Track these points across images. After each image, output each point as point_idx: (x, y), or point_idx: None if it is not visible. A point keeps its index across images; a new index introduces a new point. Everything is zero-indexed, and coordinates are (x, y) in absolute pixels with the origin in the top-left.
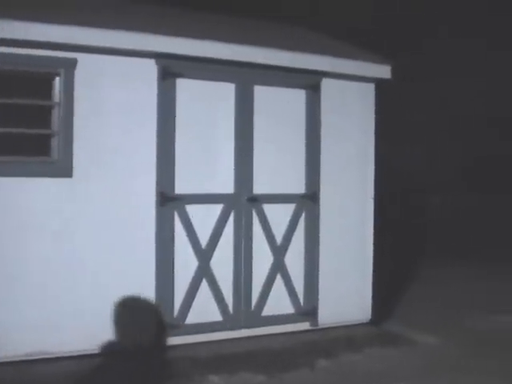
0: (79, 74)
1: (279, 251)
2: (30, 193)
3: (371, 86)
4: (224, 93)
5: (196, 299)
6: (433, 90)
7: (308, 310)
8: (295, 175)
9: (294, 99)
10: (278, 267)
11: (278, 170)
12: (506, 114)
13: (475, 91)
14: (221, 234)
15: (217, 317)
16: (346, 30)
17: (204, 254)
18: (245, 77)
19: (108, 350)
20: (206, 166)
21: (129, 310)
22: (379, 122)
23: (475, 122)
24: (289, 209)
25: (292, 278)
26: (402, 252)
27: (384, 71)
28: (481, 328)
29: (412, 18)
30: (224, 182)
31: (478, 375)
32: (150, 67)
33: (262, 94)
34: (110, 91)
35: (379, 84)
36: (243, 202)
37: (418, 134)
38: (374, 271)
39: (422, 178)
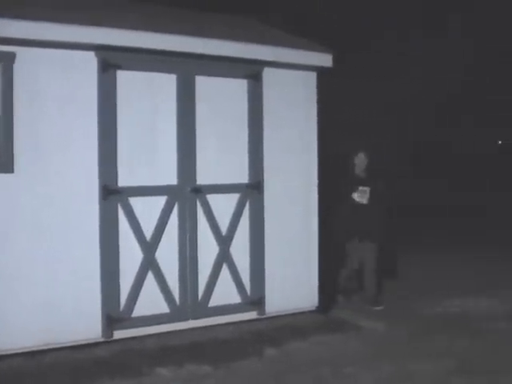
0: (18, 68)
1: (224, 241)
2: None
3: (313, 75)
4: (165, 84)
5: (142, 292)
6: (373, 85)
7: (255, 300)
8: (239, 165)
9: (236, 89)
10: (224, 257)
11: (221, 160)
12: (441, 100)
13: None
14: (165, 226)
15: (164, 309)
16: (283, 19)
17: (149, 247)
18: (186, 67)
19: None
20: (149, 158)
21: None
22: (324, 112)
23: (413, 109)
24: (233, 199)
25: (238, 268)
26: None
27: (325, 59)
28: (429, 313)
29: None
30: (167, 174)
31: (422, 360)
32: (90, 59)
33: (204, 85)
34: (50, 84)
35: (321, 73)
36: (187, 193)
37: (361, 124)
38: (320, 258)
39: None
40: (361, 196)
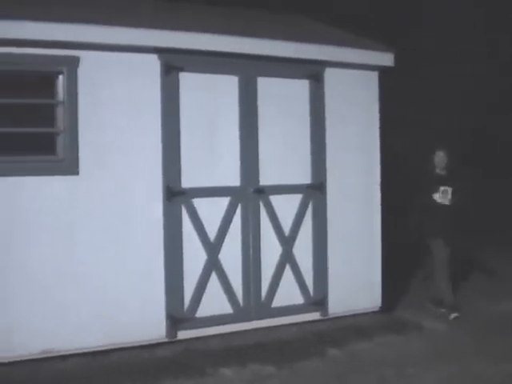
0: (82, 71)
1: (287, 242)
2: (37, 191)
3: (375, 74)
4: (227, 85)
5: (206, 292)
6: (433, 76)
7: (318, 300)
8: (301, 165)
9: (298, 89)
10: (287, 258)
11: (283, 160)
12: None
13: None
14: (228, 227)
15: (227, 309)
16: (341, 18)
17: (212, 247)
18: (248, 69)
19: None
20: (212, 159)
21: None
22: (385, 110)
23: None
24: (296, 199)
25: (301, 269)
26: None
27: (387, 59)
28: (492, 313)
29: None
30: (230, 175)
31: (485, 361)
32: (153, 62)
33: (266, 86)
34: (114, 88)
35: (383, 72)
36: (250, 194)
37: (423, 121)
38: (383, 258)
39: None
40: (443, 197)
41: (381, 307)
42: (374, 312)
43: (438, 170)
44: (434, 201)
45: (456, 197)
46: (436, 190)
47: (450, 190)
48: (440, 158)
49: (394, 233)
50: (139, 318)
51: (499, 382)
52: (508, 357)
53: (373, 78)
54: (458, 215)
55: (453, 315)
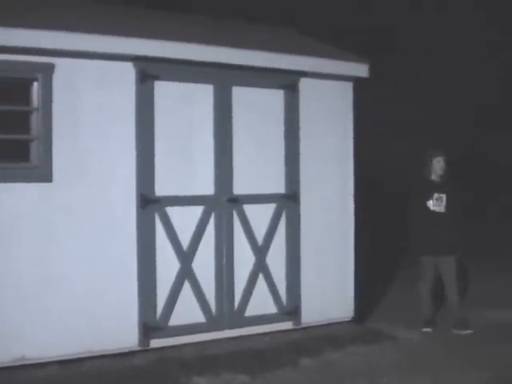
0: (57, 78)
1: (261, 251)
2: (11, 198)
3: (349, 85)
4: (202, 94)
5: (179, 301)
6: (409, 86)
7: (291, 310)
8: (275, 175)
9: (273, 99)
10: (260, 267)
11: (257, 170)
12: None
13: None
14: (202, 236)
15: (200, 318)
16: (322, 30)
17: (186, 256)
18: (223, 78)
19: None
20: (186, 168)
21: None
22: (359, 120)
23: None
24: (269, 209)
25: (274, 278)
26: (383, 249)
27: (362, 70)
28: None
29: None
30: (204, 184)
31: (458, 371)
32: (128, 70)
33: (241, 95)
34: (89, 95)
35: (357, 82)
36: (224, 203)
37: (398, 131)
38: (356, 269)
39: (403, 174)
40: (437, 204)
41: (354, 317)
42: (346, 322)
43: (433, 177)
44: (428, 208)
45: (452, 204)
46: (430, 197)
47: (444, 197)
48: (439, 164)
49: (368, 243)
50: (112, 327)
51: None
52: (481, 366)
53: (347, 88)
54: (453, 224)
55: (466, 332)
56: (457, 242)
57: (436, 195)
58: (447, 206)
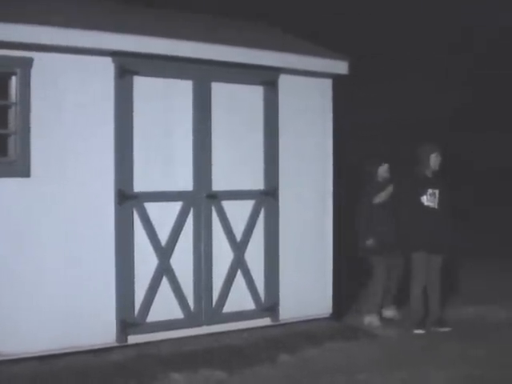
0: (36, 73)
1: (239, 248)
2: None
3: (329, 82)
4: (182, 90)
5: (157, 297)
6: (390, 87)
7: (269, 306)
8: (254, 171)
9: (252, 95)
10: (239, 264)
11: (236, 166)
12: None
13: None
14: (180, 232)
15: (178, 314)
16: (305, 28)
17: (164, 252)
18: (202, 74)
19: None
20: (165, 164)
21: None
22: (341, 119)
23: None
24: (248, 205)
25: (252, 275)
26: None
27: (341, 67)
28: (446, 320)
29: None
30: (183, 180)
31: (435, 367)
32: (107, 65)
33: (220, 91)
34: (67, 90)
35: (337, 80)
36: (202, 199)
37: (379, 131)
38: (335, 265)
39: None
40: (431, 200)
41: (332, 314)
42: (325, 318)
43: (427, 172)
44: (422, 204)
45: (443, 201)
46: (424, 193)
47: (437, 192)
48: (437, 159)
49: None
50: (89, 323)
51: None
52: (458, 362)
53: (327, 85)
54: (446, 220)
55: (445, 329)
56: (448, 240)
57: (430, 191)
58: (440, 203)
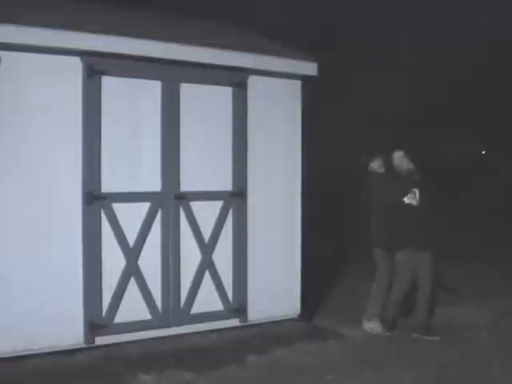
0: (2, 71)
1: (207, 249)
2: None
3: (298, 83)
4: (150, 90)
5: (124, 298)
6: (356, 86)
7: (237, 307)
8: (223, 172)
9: (221, 96)
10: (207, 265)
11: (205, 167)
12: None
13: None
14: (148, 232)
15: (146, 315)
16: (269, 27)
17: (132, 253)
18: (171, 74)
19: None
20: (133, 164)
21: None
22: (308, 119)
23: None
24: (217, 206)
25: (221, 276)
26: (331, 246)
27: (310, 68)
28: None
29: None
30: (151, 180)
31: (402, 368)
32: (75, 65)
33: (189, 92)
34: (35, 89)
35: (306, 81)
36: (170, 200)
37: (347, 130)
38: (304, 266)
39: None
40: (411, 197)
41: (300, 315)
42: (293, 319)
43: (404, 173)
44: (402, 203)
45: (424, 199)
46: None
47: (417, 191)
48: (402, 159)
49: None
50: (56, 324)
51: None
52: (424, 364)
53: (296, 87)
54: (427, 218)
55: (431, 338)
56: (432, 236)
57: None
58: (420, 201)
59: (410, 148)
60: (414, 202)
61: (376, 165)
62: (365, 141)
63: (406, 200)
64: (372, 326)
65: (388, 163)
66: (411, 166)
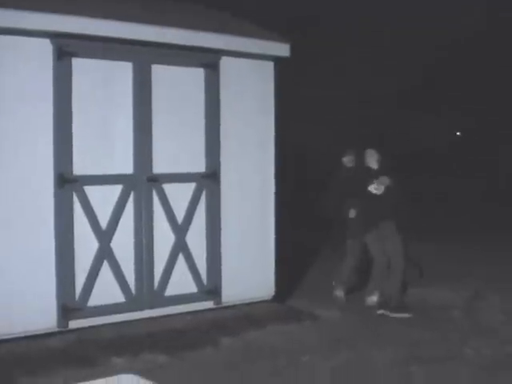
0: None
1: (180, 231)
2: None
3: (271, 65)
4: (122, 72)
5: (97, 281)
6: (329, 67)
7: (211, 289)
8: (195, 154)
9: (193, 78)
10: (180, 247)
11: (177, 149)
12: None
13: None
14: (121, 215)
15: (119, 298)
16: (245, 9)
17: (104, 236)
18: (142, 56)
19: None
20: (105, 147)
21: None
22: (281, 101)
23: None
24: (189, 188)
25: (194, 258)
26: (304, 228)
27: (283, 49)
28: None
29: None
30: (123, 163)
31: (377, 347)
32: (46, 47)
33: (160, 73)
34: (4, 72)
35: (279, 62)
36: (143, 182)
37: (318, 112)
38: (278, 248)
39: (322, 154)
40: (378, 188)
41: (274, 296)
42: (268, 301)
43: (373, 166)
44: (370, 192)
45: (390, 188)
46: (371, 182)
47: (384, 179)
48: (373, 157)
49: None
50: (29, 308)
51: (391, 366)
52: (397, 343)
53: (269, 68)
54: (391, 202)
55: (401, 315)
56: (395, 211)
57: (376, 180)
58: (386, 191)
59: (380, 148)
60: (379, 192)
61: (347, 160)
62: (336, 123)
63: (373, 190)
64: (337, 293)
65: (359, 159)
66: (376, 166)
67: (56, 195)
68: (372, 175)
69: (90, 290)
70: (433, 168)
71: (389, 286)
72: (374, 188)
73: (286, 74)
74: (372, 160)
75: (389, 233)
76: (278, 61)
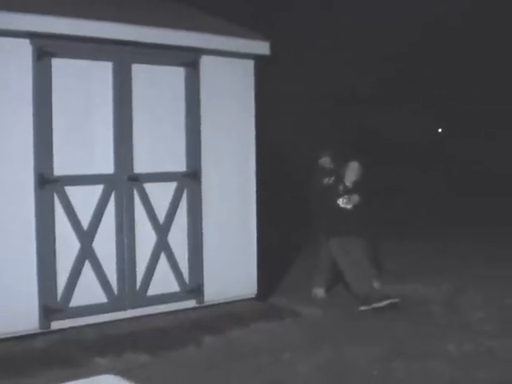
0: None
1: (162, 230)
2: None
3: (251, 63)
4: (102, 72)
5: (79, 281)
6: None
7: (193, 288)
8: (176, 154)
9: (173, 77)
10: (162, 246)
11: (158, 148)
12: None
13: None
14: (102, 215)
15: (101, 298)
16: (224, 8)
17: (86, 236)
18: (121, 55)
19: None
20: (85, 147)
21: None
22: (263, 100)
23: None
24: (171, 187)
25: (176, 257)
26: (285, 226)
27: (263, 47)
28: None
29: None
30: (104, 162)
31: (359, 344)
32: (25, 47)
33: (141, 73)
34: None
35: (259, 60)
36: (124, 182)
37: (291, 107)
38: (259, 247)
39: (297, 150)
40: (347, 202)
41: (257, 294)
42: (250, 299)
43: (346, 181)
44: (338, 205)
45: (361, 203)
46: (341, 196)
47: (355, 196)
48: (353, 172)
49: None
50: (11, 309)
51: (373, 363)
52: (379, 340)
53: (249, 66)
54: (359, 215)
55: (365, 308)
56: (360, 227)
57: (346, 196)
58: (356, 206)
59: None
60: (349, 206)
61: (324, 161)
62: (312, 119)
63: (341, 204)
64: (316, 291)
65: (335, 161)
66: (354, 179)
67: (37, 196)
68: (346, 190)
69: (72, 291)
70: (396, 160)
71: (365, 284)
72: (343, 202)
73: (266, 71)
74: (352, 174)
75: (352, 247)
76: (258, 58)
